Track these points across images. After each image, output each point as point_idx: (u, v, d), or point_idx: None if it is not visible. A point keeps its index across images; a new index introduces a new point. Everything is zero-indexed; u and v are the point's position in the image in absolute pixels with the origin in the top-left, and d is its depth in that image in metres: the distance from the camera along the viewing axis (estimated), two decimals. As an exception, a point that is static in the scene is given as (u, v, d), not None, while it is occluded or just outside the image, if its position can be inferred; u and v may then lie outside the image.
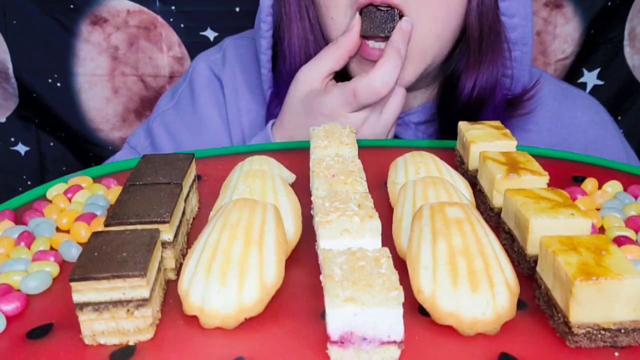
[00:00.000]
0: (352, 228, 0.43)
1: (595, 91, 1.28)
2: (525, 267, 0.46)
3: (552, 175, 0.53)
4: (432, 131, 0.85)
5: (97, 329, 0.39)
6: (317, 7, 0.79)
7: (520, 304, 0.42)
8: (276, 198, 0.50)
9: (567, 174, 0.61)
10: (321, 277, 0.38)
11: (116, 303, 0.38)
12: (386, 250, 0.39)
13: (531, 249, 0.45)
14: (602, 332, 0.38)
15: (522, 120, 0.83)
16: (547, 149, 0.69)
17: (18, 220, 0.54)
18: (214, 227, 0.44)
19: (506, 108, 0.81)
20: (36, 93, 1.25)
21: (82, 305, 0.38)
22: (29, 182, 1.32)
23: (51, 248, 0.50)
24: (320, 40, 0.80)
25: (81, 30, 1.22)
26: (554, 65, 1.26)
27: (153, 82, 1.26)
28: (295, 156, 0.63)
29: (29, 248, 0.50)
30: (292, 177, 0.59)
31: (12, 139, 1.30)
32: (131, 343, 0.39)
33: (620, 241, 0.48)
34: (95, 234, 0.42)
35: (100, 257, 0.39)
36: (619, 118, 1.28)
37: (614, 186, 0.58)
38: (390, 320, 0.35)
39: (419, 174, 0.54)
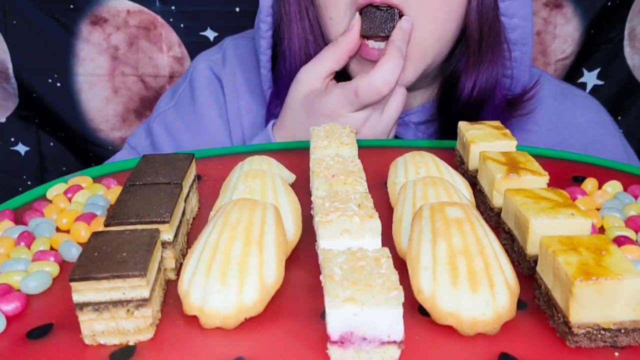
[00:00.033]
0: (352, 228, 0.43)
1: (595, 91, 1.28)
2: (525, 267, 0.46)
3: (552, 175, 0.53)
4: (432, 131, 0.85)
5: (97, 329, 0.39)
6: (316, 8, 0.79)
7: (520, 304, 0.42)
8: (276, 198, 0.50)
9: (567, 174, 0.61)
10: (321, 277, 0.38)
11: (116, 303, 0.38)
12: (386, 250, 0.39)
13: (531, 249, 0.45)
14: (602, 332, 0.38)
15: (522, 120, 0.83)
16: (547, 149, 0.69)
17: (18, 220, 0.54)
18: (214, 227, 0.44)
19: (506, 108, 0.81)
20: (36, 93, 1.25)
21: (82, 305, 0.38)
22: (29, 182, 1.32)
23: (51, 248, 0.50)
24: (320, 40, 0.80)
25: (81, 30, 1.22)
26: (554, 65, 1.26)
27: (153, 82, 1.26)
28: (295, 156, 0.63)
29: (29, 248, 0.50)
30: (292, 177, 0.59)
31: (12, 139, 1.30)
32: (131, 343, 0.39)
33: (620, 241, 0.48)
34: (95, 234, 0.42)
35: (100, 257, 0.39)
36: (619, 118, 1.28)
37: (614, 186, 0.58)
38: (390, 320, 0.35)
39: (419, 174, 0.54)
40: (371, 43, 0.74)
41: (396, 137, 0.82)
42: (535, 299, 0.43)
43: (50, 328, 0.41)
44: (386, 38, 0.73)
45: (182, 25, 1.22)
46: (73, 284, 0.38)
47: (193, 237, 0.48)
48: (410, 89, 0.78)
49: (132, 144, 0.91)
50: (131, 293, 0.38)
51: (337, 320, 0.35)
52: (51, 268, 0.46)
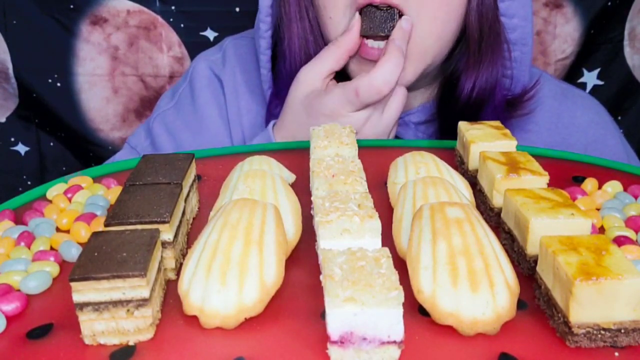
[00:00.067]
0: (352, 228, 0.43)
1: (595, 91, 1.28)
2: (525, 267, 0.46)
3: (552, 175, 0.53)
4: (432, 131, 0.85)
5: (97, 329, 0.39)
6: (316, 8, 0.79)
7: (520, 304, 0.42)
8: (276, 198, 0.50)
9: (567, 174, 0.61)
10: (321, 277, 0.38)
11: (116, 303, 0.38)
12: (386, 250, 0.39)
13: (531, 249, 0.45)
14: (602, 332, 0.38)
15: (522, 120, 0.83)
16: (547, 149, 0.69)
17: (18, 220, 0.54)
18: (214, 227, 0.44)
19: (506, 108, 0.81)
20: (36, 93, 1.25)
21: (82, 305, 0.38)
22: (29, 182, 1.32)
23: (51, 248, 0.50)
24: (320, 40, 0.80)
25: (81, 30, 1.22)
26: (554, 65, 1.26)
27: (153, 82, 1.26)
28: (295, 156, 0.63)
29: (29, 248, 0.50)
30: (292, 177, 0.59)
31: (12, 139, 1.30)
32: (131, 343, 0.39)
33: (620, 241, 0.48)
34: (95, 234, 0.42)
35: (100, 257, 0.39)
36: (619, 118, 1.28)
37: (614, 186, 0.58)
38: (390, 320, 0.35)
39: (419, 174, 0.54)
40: (371, 43, 0.74)
41: (396, 137, 0.82)
42: (535, 299, 0.43)
43: (50, 328, 0.41)
44: (386, 38, 0.73)
45: (182, 25, 1.22)
46: (73, 284, 0.38)
47: (193, 237, 0.48)
48: (410, 89, 0.78)
49: (132, 144, 0.91)
50: (131, 293, 0.38)
51: (337, 320, 0.35)
52: (51, 268, 0.46)
